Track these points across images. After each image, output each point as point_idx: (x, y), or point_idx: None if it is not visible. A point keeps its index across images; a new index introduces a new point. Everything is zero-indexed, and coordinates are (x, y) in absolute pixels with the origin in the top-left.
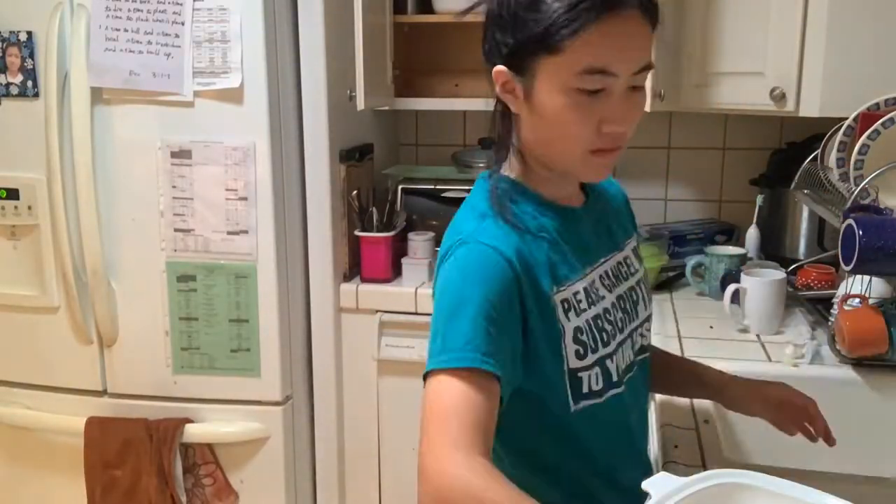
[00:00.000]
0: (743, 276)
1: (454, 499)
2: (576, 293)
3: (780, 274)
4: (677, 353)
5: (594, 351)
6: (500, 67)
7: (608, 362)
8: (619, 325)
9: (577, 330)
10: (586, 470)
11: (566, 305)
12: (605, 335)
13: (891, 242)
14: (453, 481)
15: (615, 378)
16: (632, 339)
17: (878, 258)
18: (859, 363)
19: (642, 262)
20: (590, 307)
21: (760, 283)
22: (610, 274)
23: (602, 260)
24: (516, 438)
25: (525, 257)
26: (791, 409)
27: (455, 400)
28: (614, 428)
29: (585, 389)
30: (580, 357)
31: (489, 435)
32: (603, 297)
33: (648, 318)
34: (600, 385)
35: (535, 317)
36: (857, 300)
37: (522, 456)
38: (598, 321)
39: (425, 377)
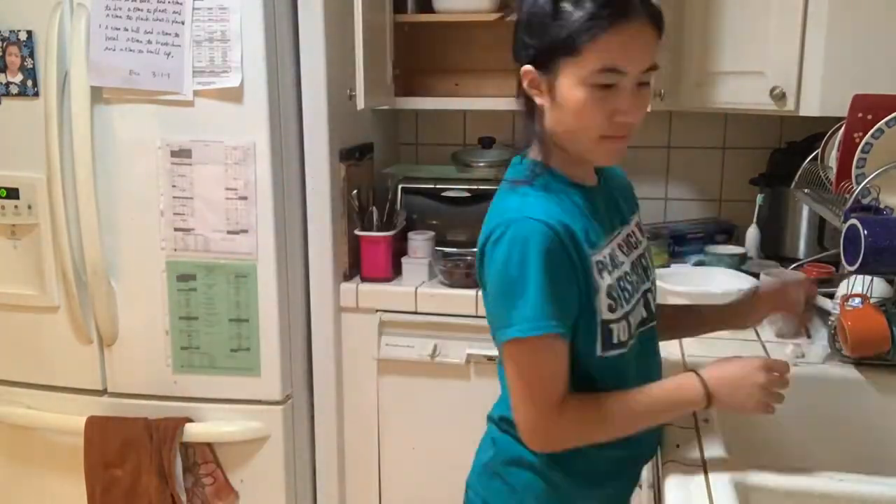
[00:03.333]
0: (764, 278)
1: (583, 438)
2: (605, 256)
3: (799, 275)
4: (677, 352)
5: (622, 307)
6: (527, 67)
7: (630, 317)
8: (635, 286)
9: (610, 287)
10: None
11: (600, 266)
12: (626, 294)
13: None
14: (573, 432)
15: (632, 331)
16: (644, 298)
17: (883, 258)
18: (859, 362)
19: (644, 234)
20: (614, 269)
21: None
22: (623, 243)
23: (616, 231)
24: None
25: (567, 224)
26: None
27: (541, 366)
28: (626, 373)
29: (615, 340)
30: (612, 311)
31: (567, 382)
32: (622, 262)
33: (654, 282)
34: (626, 337)
35: (580, 274)
36: (859, 300)
37: None
38: (621, 282)
39: (501, 344)
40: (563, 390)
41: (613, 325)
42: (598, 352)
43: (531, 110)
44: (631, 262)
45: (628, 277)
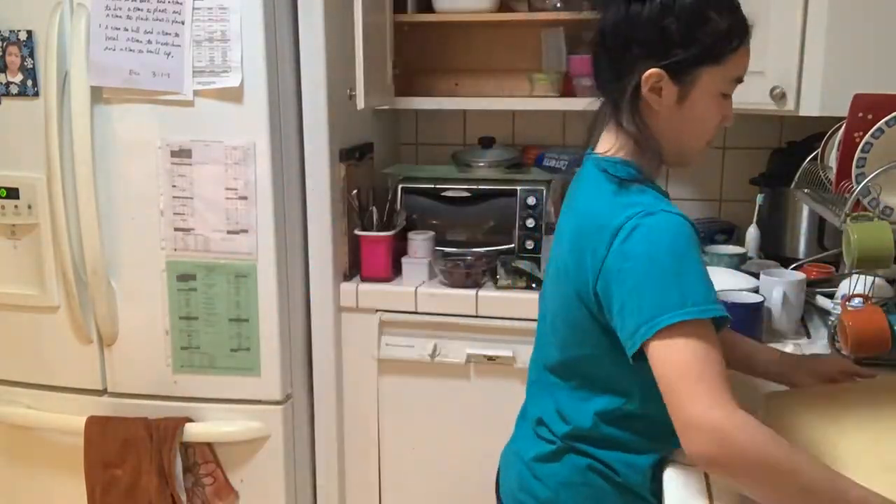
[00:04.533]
0: (764, 278)
1: (759, 457)
2: None
3: (798, 274)
4: None
5: None
6: (656, 70)
7: None
8: None
9: None
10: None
11: None
12: None
13: None
14: (756, 438)
15: None
16: None
17: None
18: (860, 362)
19: None
20: None
21: (789, 283)
22: None
23: None
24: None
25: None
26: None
27: (714, 349)
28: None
29: None
30: None
31: None
32: None
33: None
34: None
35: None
36: (860, 300)
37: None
38: None
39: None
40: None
41: None
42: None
43: (634, 111)
44: None
45: None
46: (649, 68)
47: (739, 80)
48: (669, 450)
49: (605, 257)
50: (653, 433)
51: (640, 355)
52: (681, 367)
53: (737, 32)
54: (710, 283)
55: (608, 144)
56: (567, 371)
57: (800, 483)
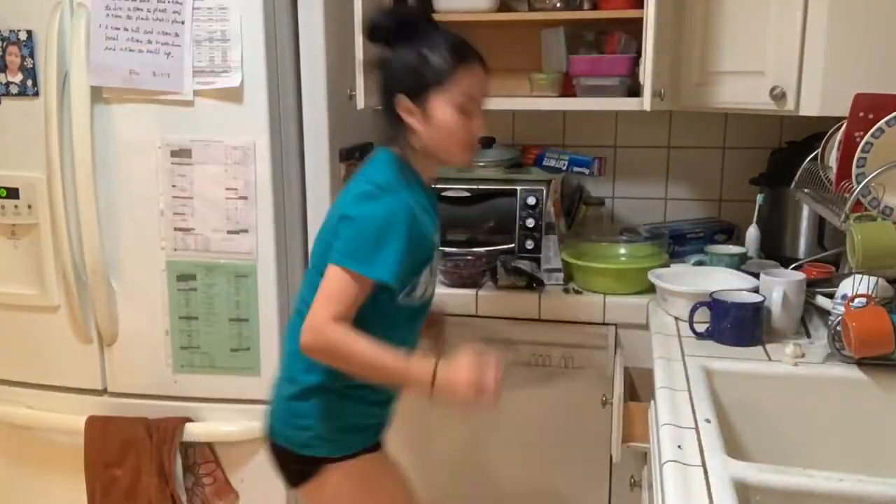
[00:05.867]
0: (764, 278)
1: (341, 349)
2: (430, 241)
3: (798, 274)
4: (677, 351)
5: (433, 277)
6: (401, 97)
7: (429, 288)
8: (434, 272)
9: (430, 261)
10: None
11: (432, 246)
12: (433, 271)
13: None
14: (329, 343)
15: (425, 297)
16: (434, 283)
17: None
18: (859, 362)
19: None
20: (432, 253)
21: (789, 283)
22: (437, 238)
23: (434, 227)
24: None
25: (415, 213)
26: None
27: (351, 294)
28: (402, 321)
29: (417, 294)
30: (425, 277)
31: (352, 317)
32: (433, 255)
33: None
34: (419, 297)
35: (415, 249)
36: (864, 300)
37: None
38: (433, 261)
39: (336, 265)
40: (348, 317)
41: (419, 287)
42: (400, 299)
43: (400, 124)
44: (436, 252)
45: (433, 263)
46: (398, 96)
47: (473, 97)
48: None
49: (344, 205)
50: None
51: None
52: (326, 287)
53: (451, 65)
54: (401, 260)
55: (394, 143)
56: None
57: (373, 367)
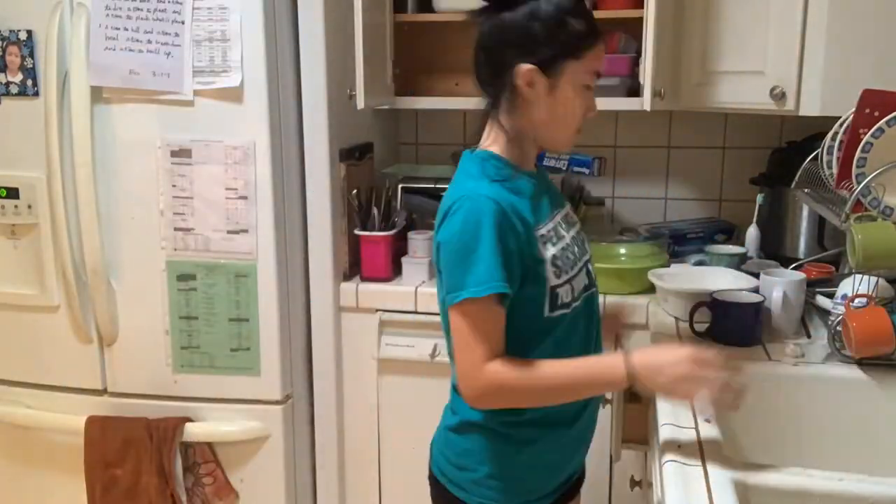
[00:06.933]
0: (764, 277)
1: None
2: (548, 231)
3: (798, 274)
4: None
5: (566, 273)
6: (529, 66)
7: (573, 282)
8: (578, 256)
9: (554, 257)
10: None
11: (544, 239)
12: (570, 262)
13: None
14: (496, 390)
15: (576, 295)
16: (586, 268)
17: None
18: (859, 362)
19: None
20: (558, 241)
21: (789, 283)
22: (563, 221)
23: (555, 211)
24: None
25: (513, 202)
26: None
27: (483, 322)
28: (570, 332)
29: (560, 302)
30: (557, 277)
31: (502, 343)
32: (563, 236)
33: (590, 256)
34: (569, 299)
35: (524, 245)
36: (863, 300)
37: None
38: (565, 252)
39: (453, 306)
40: (498, 349)
41: (559, 289)
42: (546, 313)
43: (511, 103)
44: (571, 236)
45: (571, 249)
46: (522, 65)
47: (599, 74)
48: None
49: (435, 236)
50: None
51: (518, 309)
52: (457, 334)
53: (590, 33)
54: (496, 262)
55: (485, 139)
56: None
57: (558, 389)
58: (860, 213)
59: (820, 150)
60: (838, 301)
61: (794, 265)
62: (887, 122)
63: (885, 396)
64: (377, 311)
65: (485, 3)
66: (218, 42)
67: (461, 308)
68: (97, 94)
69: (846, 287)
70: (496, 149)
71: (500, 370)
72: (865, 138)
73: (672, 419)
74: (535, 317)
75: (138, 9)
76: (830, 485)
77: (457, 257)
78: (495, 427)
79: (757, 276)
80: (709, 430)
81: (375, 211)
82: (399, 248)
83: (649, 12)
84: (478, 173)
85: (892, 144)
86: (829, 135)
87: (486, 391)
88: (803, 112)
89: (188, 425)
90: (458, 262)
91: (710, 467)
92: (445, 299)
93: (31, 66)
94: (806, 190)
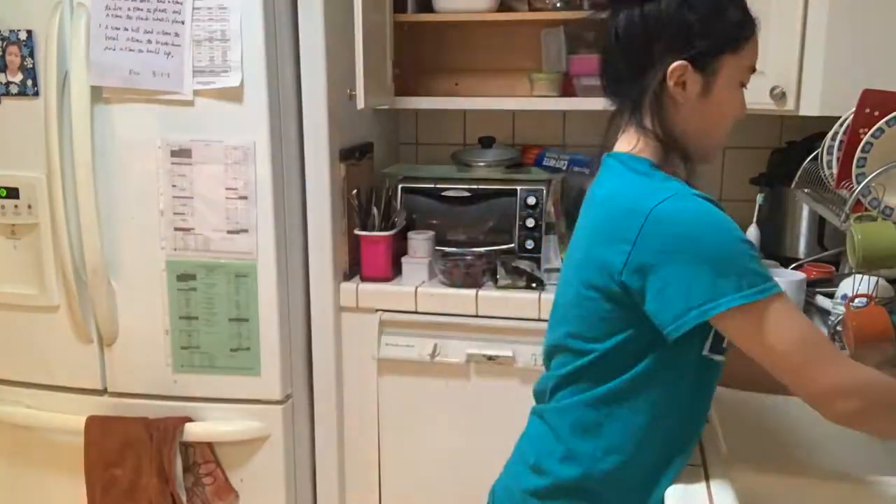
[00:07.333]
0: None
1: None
2: None
3: (798, 274)
4: None
5: None
6: (681, 63)
7: None
8: None
9: None
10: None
11: None
12: None
13: None
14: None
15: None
16: None
17: None
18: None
19: None
20: None
21: (789, 283)
22: None
23: None
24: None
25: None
26: None
27: (801, 317)
28: (712, 383)
29: (724, 343)
30: None
31: None
32: None
33: None
34: (726, 344)
35: None
36: (864, 300)
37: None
38: None
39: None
40: (835, 352)
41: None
42: (705, 350)
43: (657, 108)
44: None
45: None
46: (672, 62)
47: (753, 70)
48: None
49: (636, 241)
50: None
51: (682, 338)
52: (777, 342)
53: (748, 22)
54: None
55: (628, 146)
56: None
57: None
58: (860, 213)
59: (820, 150)
60: (838, 301)
61: (794, 265)
62: (887, 122)
63: None
64: (377, 311)
65: None
66: (218, 42)
67: (771, 304)
68: (97, 94)
69: (846, 287)
70: (648, 157)
71: (858, 373)
72: (865, 138)
73: None
74: (687, 356)
75: (138, 9)
76: (830, 485)
77: (725, 254)
78: (596, 482)
79: None
80: (709, 431)
81: (375, 211)
82: (399, 248)
83: None
84: (653, 172)
85: (892, 144)
86: (829, 135)
87: (859, 392)
88: (803, 112)
89: (188, 425)
90: (724, 261)
91: (710, 469)
92: (702, 309)
93: (31, 66)
94: (806, 190)
